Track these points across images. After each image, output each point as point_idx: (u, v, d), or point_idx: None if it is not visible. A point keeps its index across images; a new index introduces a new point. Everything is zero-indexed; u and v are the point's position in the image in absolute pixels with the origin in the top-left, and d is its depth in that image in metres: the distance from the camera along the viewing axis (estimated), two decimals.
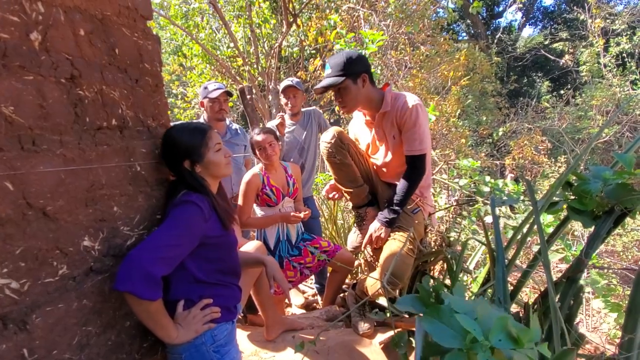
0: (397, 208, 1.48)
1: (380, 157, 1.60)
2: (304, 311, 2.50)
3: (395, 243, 1.45)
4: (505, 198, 1.14)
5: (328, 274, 2.62)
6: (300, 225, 2.09)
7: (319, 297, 2.66)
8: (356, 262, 2.61)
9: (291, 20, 6.00)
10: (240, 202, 1.93)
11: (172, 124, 2.29)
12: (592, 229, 0.95)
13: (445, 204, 2.85)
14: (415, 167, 1.47)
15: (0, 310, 0.72)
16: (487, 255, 1.32)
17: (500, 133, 7.31)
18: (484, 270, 1.26)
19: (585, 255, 0.92)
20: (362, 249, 1.57)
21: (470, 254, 2.11)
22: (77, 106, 0.91)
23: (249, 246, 1.61)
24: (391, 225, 1.50)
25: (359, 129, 1.70)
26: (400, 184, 1.49)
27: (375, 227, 1.51)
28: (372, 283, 1.47)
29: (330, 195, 1.77)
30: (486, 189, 2.41)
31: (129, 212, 1.06)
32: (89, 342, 0.91)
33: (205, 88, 2.19)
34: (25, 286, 0.76)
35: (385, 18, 5.60)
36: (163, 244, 0.98)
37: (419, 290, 0.75)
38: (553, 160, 5.44)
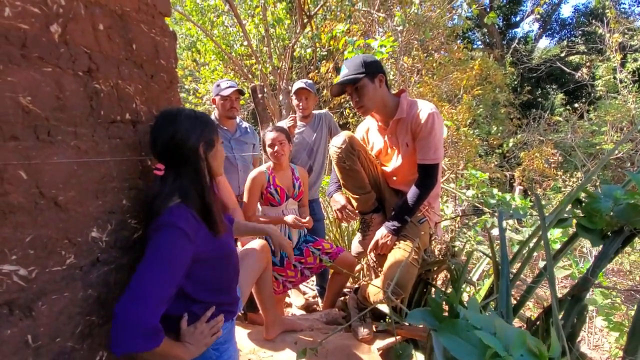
0: (405, 217, 1.48)
1: (392, 164, 1.60)
2: (303, 312, 2.50)
3: (400, 252, 1.45)
4: (512, 211, 1.13)
5: (329, 277, 2.62)
6: None
7: (319, 299, 2.66)
8: (358, 266, 2.61)
9: (305, 21, 6.03)
10: (245, 198, 1.94)
11: None
12: (600, 247, 0.94)
13: (452, 213, 2.84)
14: (427, 176, 1.46)
15: (7, 296, 0.73)
16: (492, 267, 1.30)
17: (510, 144, 7.23)
18: (488, 283, 1.25)
19: (592, 274, 0.91)
20: (367, 254, 1.56)
21: (475, 264, 2.10)
22: (92, 99, 0.93)
23: (253, 244, 1.62)
24: (398, 233, 1.50)
25: (372, 134, 1.69)
26: (411, 193, 1.49)
27: (382, 234, 1.50)
28: (375, 291, 1.46)
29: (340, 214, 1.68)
30: (493, 201, 2.39)
31: (137, 205, 1.08)
32: (91, 332, 0.92)
33: (218, 86, 2.20)
34: (33, 274, 0.78)
35: (399, 23, 5.57)
36: (151, 289, 0.87)
37: (430, 303, 0.74)
38: (566, 174, 5.35)
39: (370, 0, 5.91)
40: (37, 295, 0.79)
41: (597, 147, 5.98)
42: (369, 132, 1.71)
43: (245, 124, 2.46)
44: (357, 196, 1.59)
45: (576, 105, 8.99)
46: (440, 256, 1.64)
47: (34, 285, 0.78)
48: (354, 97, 1.48)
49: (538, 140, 6.87)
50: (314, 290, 2.83)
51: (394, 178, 1.62)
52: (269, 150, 1.92)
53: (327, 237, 3.00)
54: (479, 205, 2.28)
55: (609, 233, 0.91)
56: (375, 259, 1.60)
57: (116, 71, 1.02)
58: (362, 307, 1.67)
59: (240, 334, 1.76)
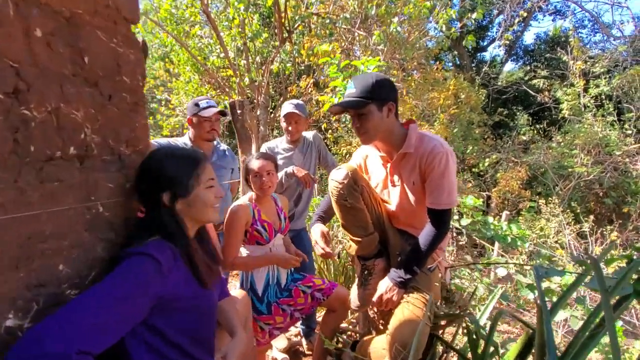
0: (415, 268, 1.28)
1: (394, 201, 1.40)
2: (286, 357, 2.23)
3: (409, 307, 1.23)
4: (547, 268, 0.97)
5: (318, 317, 2.37)
6: None
7: (303, 340, 2.39)
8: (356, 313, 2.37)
9: (285, 36, 5.89)
10: (225, 240, 1.65)
11: (155, 140, 1.99)
12: None
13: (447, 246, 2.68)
14: (439, 222, 1.28)
15: None
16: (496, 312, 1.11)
17: (486, 164, 7.36)
18: (513, 349, 1.07)
19: None
20: (369, 309, 1.34)
21: (476, 304, 1.93)
22: (18, 131, 0.67)
23: (234, 293, 1.36)
24: (405, 286, 1.29)
25: (371, 162, 1.49)
26: (422, 240, 1.29)
27: (387, 287, 1.29)
28: (378, 353, 1.24)
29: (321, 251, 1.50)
30: (489, 233, 2.26)
31: (80, 269, 0.81)
32: None
33: (197, 105, 1.94)
34: None
35: (379, 42, 5.55)
36: (90, 308, 0.70)
37: None
38: (540, 196, 5.43)
39: (351, 19, 5.85)
40: None
41: (570, 169, 6.16)
42: (368, 159, 1.51)
43: (223, 146, 2.21)
44: (358, 239, 1.37)
45: (539, 125, 9.38)
46: (447, 302, 1.45)
47: None
48: (356, 123, 1.29)
49: (512, 161, 7.03)
50: (297, 327, 2.55)
51: (397, 217, 1.43)
52: (254, 180, 1.67)
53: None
54: (476, 238, 2.14)
55: None
56: (377, 311, 1.38)
57: (58, 91, 0.76)
58: None
59: None
